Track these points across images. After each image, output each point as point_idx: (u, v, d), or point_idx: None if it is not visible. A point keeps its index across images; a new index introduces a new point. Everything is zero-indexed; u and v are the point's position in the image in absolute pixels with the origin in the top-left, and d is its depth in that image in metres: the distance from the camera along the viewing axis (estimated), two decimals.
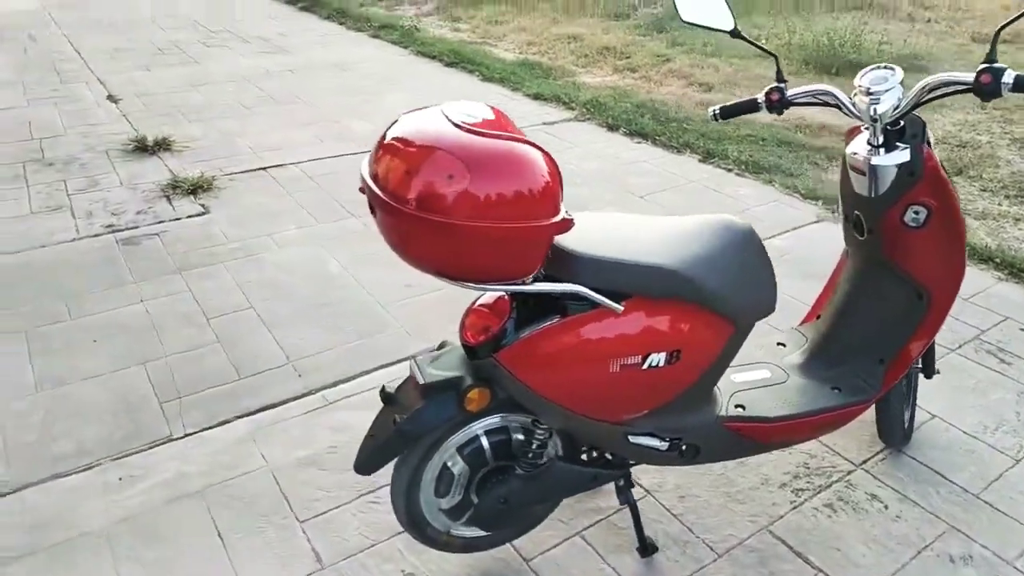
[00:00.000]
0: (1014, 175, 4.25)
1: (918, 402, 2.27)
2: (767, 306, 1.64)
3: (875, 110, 1.64)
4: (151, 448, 2.22)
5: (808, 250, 3.35)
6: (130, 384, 2.49)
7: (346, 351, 2.67)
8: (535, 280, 1.43)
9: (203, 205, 3.83)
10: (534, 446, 1.65)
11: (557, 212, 1.34)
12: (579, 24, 8.28)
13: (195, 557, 1.88)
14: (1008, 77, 1.49)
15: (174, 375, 2.53)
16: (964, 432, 2.27)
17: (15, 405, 2.39)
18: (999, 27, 1.51)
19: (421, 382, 1.53)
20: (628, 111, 5.29)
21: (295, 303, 2.97)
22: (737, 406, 1.78)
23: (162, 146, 4.57)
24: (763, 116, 3.57)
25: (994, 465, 2.15)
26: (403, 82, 6.21)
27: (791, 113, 4.19)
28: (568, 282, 1.43)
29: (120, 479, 2.11)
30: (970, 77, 1.55)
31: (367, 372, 2.56)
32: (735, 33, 1.79)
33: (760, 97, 1.84)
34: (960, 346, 2.68)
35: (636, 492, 1.86)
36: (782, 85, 1.81)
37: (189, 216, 3.71)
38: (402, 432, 1.54)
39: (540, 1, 9.40)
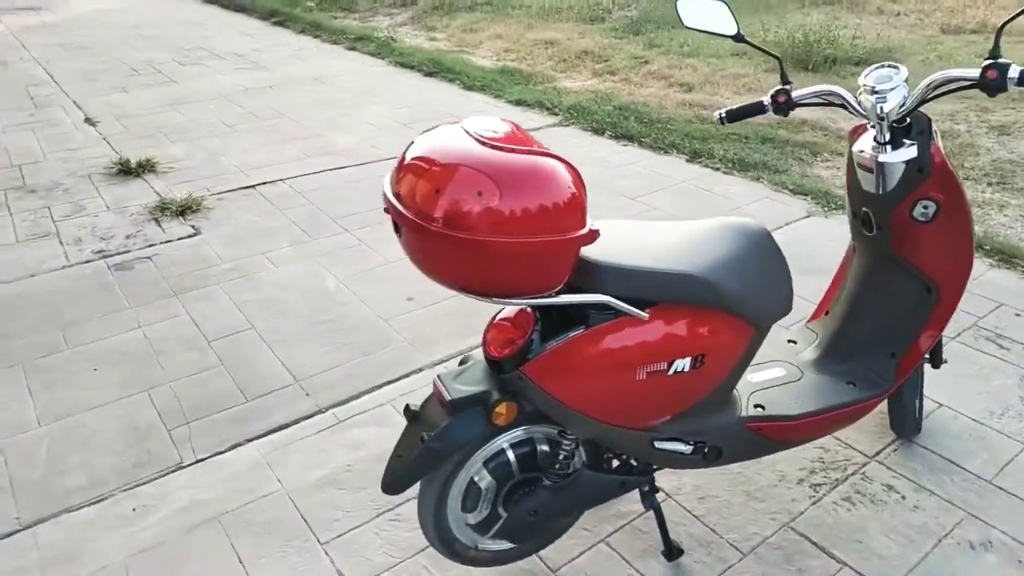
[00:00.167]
0: (995, 162, 4.33)
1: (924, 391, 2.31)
2: (785, 306, 1.66)
3: (881, 108, 1.66)
4: (162, 476, 2.19)
5: (802, 245, 3.38)
6: (135, 412, 2.45)
7: (352, 367, 2.66)
8: (559, 292, 1.43)
9: (193, 226, 3.79)
10: (561, 457, 1.65)
11: (584, 224, 1.34)
12: (554, 29, 8.31)
13: None
14: (1014, 72, 1.52)
15: (180, 400, 2.50)
16: (972, 419, 2.30)
17: (19, 439, 2.34)
18: (1002, 23, 1.54)
19: (447, 398, 1.51)
20: (612, 114, 5.32)
21: (296, 321, 2.95)
22: (756, 406, 1.80)
23: (146, 168, 4.51)
24: None
25: (1004, 451, 2.18)
26: (384, 93, 6.19)
27: None
28: (594, 292, 1.44)
29: (134, 509, 2.07)
30: (975, 73, 1.58)
31: (376, 388, 2.55)
32: (738, 37, 1.81)
33: (766, 99, 1.85)
34: (959, 334, 2.72)
35: (656, 496, 1.87)
36: (788, 87, 1.83)
37: (180, 238, 3.66)
38: (431, 450, 1.52)
39: (513, 8, 9.42)
